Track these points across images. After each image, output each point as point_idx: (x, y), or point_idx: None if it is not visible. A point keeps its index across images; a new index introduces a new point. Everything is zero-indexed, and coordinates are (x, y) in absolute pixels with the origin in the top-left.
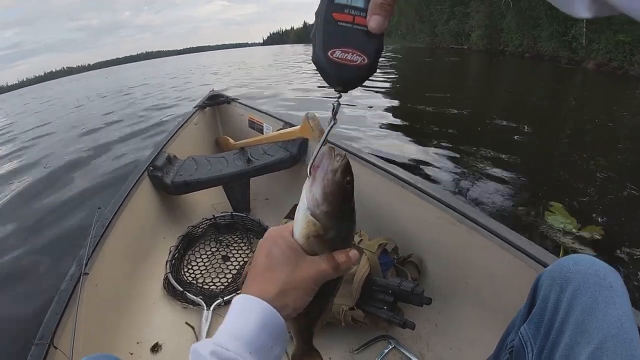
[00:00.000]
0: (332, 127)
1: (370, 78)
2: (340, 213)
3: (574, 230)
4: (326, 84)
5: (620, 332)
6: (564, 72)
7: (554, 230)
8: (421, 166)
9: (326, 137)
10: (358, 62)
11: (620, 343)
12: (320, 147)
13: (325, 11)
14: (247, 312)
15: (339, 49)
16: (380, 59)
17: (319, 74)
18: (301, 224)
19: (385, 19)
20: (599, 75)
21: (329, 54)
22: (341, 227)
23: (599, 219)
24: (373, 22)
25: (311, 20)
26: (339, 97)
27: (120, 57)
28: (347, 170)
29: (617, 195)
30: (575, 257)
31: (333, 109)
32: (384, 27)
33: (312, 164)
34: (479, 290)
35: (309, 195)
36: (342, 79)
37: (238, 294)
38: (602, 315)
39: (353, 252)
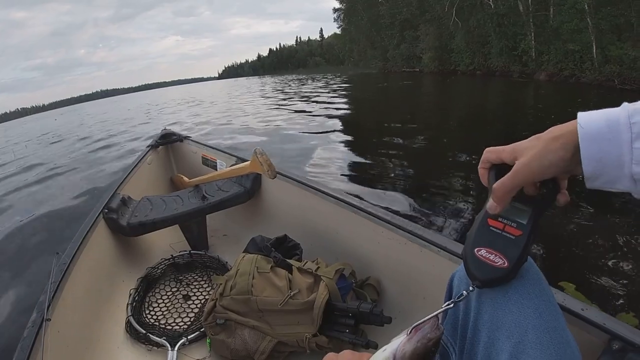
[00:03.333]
0: (448, 308)
1: (327, 106)
2: None
3: None
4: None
5: (540, 321)
6: (515, 85)
7: None
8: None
9: (443, 311)
10: (499, 263)
11: (542, 332)
12: (432, 317)
13: (483, 216)
14: None
15: (484, 249)
16: (335, 87)
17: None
18: None
19: (497, 205)
20: (552, 85)
21: (475, 250)
22: None
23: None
24: (489, 205)
25: (265, 52)
26: (472, 290)
27: (76, 96)
28: (438, 342)
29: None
30: None
31: (460, 296)
32: (496, 211)
33: (417, 325)
34: (435, 303)
35: (400, 347)
36: (479, 274)
37: (202, 331)
38: (516, 307)
39: None
